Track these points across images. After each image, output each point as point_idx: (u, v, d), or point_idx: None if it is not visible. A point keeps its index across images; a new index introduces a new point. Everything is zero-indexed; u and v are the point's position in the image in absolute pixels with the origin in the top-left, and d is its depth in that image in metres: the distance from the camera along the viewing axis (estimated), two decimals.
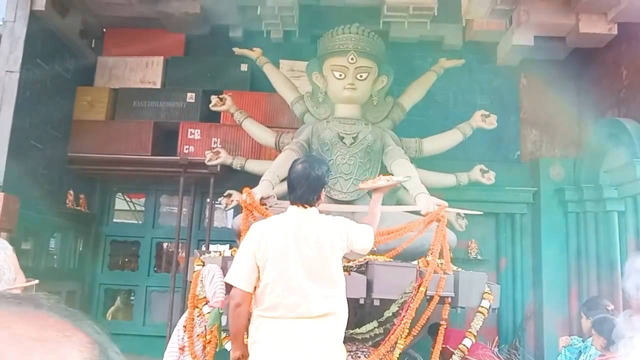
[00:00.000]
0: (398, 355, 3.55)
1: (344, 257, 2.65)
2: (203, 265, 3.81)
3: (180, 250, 5.90)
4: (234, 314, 2.49)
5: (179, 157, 5.64)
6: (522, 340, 5.69)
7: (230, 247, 4.60)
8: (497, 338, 5.39)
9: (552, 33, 5.33)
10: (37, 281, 1.32)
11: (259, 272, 2.47)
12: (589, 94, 6.01)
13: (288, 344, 2.39)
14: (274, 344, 2.40)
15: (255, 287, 2.48)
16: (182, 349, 3.60)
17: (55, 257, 5.72)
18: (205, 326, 3.57)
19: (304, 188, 2.55)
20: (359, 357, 3.62)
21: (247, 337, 2.60)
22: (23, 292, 1.29)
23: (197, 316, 3.66)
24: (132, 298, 6.38)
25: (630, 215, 5.05)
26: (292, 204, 2.61)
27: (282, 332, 2.41)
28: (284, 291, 2.41)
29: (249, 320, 2.56)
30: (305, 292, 2.40)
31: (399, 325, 3.62)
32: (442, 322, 3.80)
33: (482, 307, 3.86)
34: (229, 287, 3.66)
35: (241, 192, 3.96)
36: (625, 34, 5.02)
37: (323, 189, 2.65)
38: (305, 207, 2.57)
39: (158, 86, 5.98)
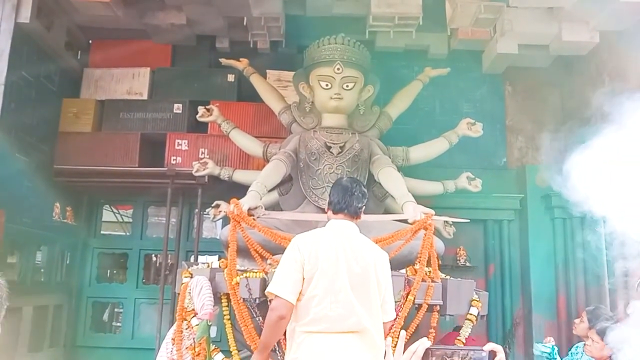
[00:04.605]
0: None
1: None
2: (191, 277, 3.79)
3: (168, 261, 5.87)
4: (276, 326, 2.43)
5: (166, 168, 5.62)
6: (511, 347, 5.71)
7: (219, 258, 4.58)
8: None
9: (536, 41, 5.41)
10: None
11: (302, 285, 2.45)
12: (573, 101, 6.08)
13: (330, 358, 2.38)
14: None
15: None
16: None
17: (42, 270, 5.65)
18: (194, 338, 3.55)
19: (354, 196, 2.64)
20: None
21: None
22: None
23: (186, 328, 3.63)
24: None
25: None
26: (335, 214, 2.66)
27: (325, 347, 2.39)
28: (331, 304, 2.41)
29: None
30: (352, 306, 2.42)
31: (387, 334, 3.62)
32: (430, 330, 3.81)
33: (471, 314, 3.88)
34: (217, 299, 3.68)
35: (229, 203, 3.95)
36: (606, 41, 5.10)
37: (364, 207, 2.73)
38: (352, 219, 2.64)
39: (145, 97, 5.95)
